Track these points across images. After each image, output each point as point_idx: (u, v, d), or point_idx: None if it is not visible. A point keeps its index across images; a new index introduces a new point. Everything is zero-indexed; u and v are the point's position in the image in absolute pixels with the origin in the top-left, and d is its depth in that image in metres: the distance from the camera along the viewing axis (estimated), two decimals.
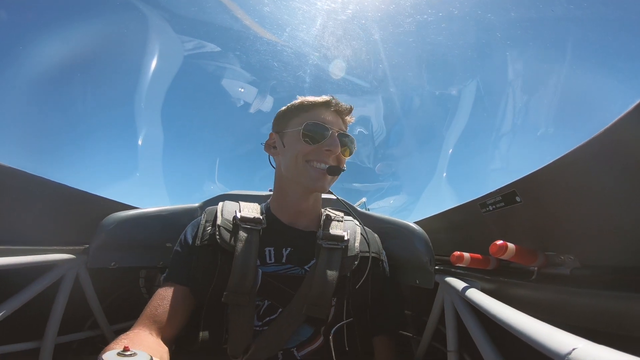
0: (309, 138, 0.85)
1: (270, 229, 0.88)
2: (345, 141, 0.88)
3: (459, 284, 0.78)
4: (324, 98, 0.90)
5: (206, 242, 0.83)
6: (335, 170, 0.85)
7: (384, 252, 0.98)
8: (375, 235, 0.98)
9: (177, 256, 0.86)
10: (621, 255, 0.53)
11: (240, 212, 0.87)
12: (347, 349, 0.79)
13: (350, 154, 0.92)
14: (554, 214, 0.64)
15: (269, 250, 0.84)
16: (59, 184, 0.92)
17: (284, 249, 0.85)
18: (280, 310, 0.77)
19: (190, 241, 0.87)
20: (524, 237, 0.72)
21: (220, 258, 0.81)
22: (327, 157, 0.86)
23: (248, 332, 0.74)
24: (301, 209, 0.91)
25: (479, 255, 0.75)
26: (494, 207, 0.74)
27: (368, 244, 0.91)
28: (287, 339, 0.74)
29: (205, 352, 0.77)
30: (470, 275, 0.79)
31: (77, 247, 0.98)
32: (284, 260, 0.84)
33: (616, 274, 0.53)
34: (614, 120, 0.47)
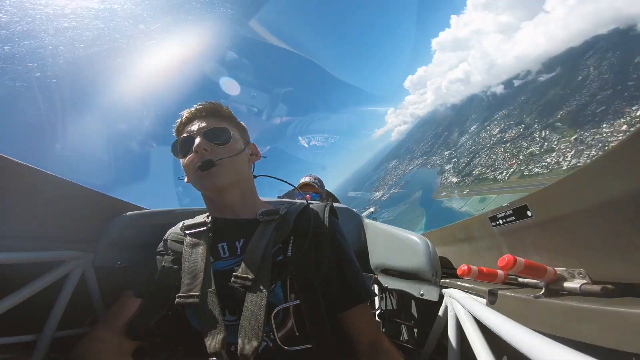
0: (182, 154, 0.93)
1: (219, 228, 0.91)
2: (212, 135, 0.92)
3: (464, 297, 0.78)
4: (181, 118, 0.98)
5: (159, 250, 0.91)
6: (204, 165, 0.87)
7: (336, 228, 0.96)
8: (326, 212, 0.96)
9: (136, 266, 0.93)
10: (632, 272, 0.52)
11: (184, 223, 0.93)
12: (297, 333, 0.77)
13: (227, 141, 0.93)
14: (564, 229, 0.64)
15: (222, 246, 0.87)
16: (70, 182, 0.93)
17: (237, 242, 0.87)
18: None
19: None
20: (534, 252, 0.72)
21: (166, 261, 0.86)
22: (200, 159, 0.89)
23: (218, 326, 0.74)
24: (228, 205, 0.93)
25: (486, 269, 0.74)
26: (504, 221, 0.74)
27: (305, 220, 0.90)
28: (262, 322, 0.73)
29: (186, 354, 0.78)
30: (477, 289, 0.78)
31: (85, 245, 0.99)
32: (238, 252, 0.86)
33: (627, 291, 0.53)
34: (627, 136, 0.47)
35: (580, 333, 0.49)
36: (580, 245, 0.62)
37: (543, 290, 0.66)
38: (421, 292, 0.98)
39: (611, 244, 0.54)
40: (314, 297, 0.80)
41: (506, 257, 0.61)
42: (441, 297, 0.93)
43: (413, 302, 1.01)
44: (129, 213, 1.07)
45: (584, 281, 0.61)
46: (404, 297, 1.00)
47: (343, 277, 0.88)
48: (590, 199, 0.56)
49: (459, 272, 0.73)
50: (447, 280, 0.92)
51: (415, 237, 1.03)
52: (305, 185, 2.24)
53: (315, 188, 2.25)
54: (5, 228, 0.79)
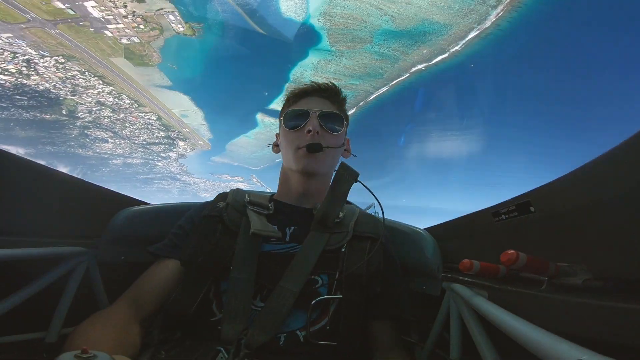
0: (291, 126, 0.91)
1: (277, 211, 0.91)
2: (328, 120, 0.92)
3: (466, 292, 0.78)
4: (302, 86, 0.97)
5: (214, 213, 0.87)
6: (313, 147, 0.87)
7: (390, 240, 0.96)
8: (379, 219, 0.94)
9: (177, 229, 0.90)
10: (634, 268, 0.52)
11: (249, 197, 0.92)
12: (327, 328, 0.76)
13: (338, 131, 0.94)
14: (567, 225, 0.64)
15: (272, 228, 0.86)
16: (72, 176, 0.94)
17: (287, 228, 0.87)
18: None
19: (195, 216, 0.90)
20: (536, 247, 0.72)
21: (220, 231, 0.83)
22: (310, 139, 0.89)
23: (244, 312, 0.72)
24: (304, 192, 0.94)
25: (489, 264, 0.75)
26: (506, 216, 0.74)
27: (363, 224, 0.91)
28: (283, 318, 0.72)
29: (192, 332, 0.76)
30: (479, 283, 0.78)
31: (88, 241, 1.00)
32: (287, 239, 0.85)
33: (628, 286, 0.53)
34: (633, 134, 0.47)
35: (583, 328, 0.49)
36: (582, 241, 0.62)
37: (545, 286, 0.66)
38: (423, 286, 0.98)
39: (613, 240, 0.55)
40: (357, 296, 0.79)
41: (509, 253, 0.61)
42: (443, 291, 0.93)
43: (415, 296, 1.01)
44: (131, 208, 1.08)
45: (586, 277, 0.61)
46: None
47: (387, 288, 0.87)
48: (592, 195, 0.56)
49: (461, 266, 0.73)
50: (449, 275, 0.91)
51: (418, 231, 1.04)
52: None
53: None
54: (7, 225, 0.79)
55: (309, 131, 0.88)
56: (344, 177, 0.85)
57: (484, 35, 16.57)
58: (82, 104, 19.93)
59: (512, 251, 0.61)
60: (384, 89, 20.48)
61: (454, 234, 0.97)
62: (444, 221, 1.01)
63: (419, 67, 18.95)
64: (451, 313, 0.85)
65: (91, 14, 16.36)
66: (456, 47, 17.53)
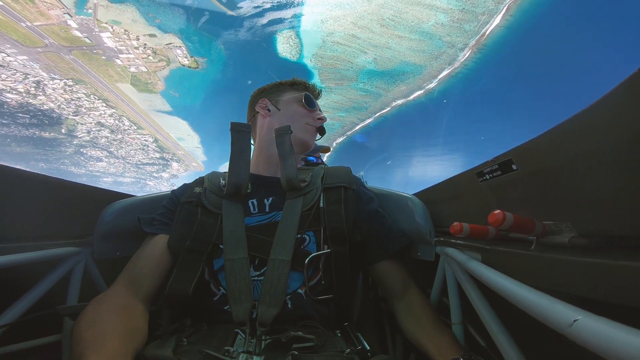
0: (308, 105, 1.00)
1: (253, 185, 0.90)
2: None
3: (460, 255, 0.73)
4: (311, 83, 1.09)
5: (192, 199, 0.86)
6: (323, 131, 1.05)
7: (361, 184, 0.97)
8: (347, 168, 0.97)
9: (162, 209, 0.89)
10: (619, 224, 0.49)
11: (223, 180, 0.90)
12: (322, 282, 0.77)
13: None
14: (549, 182, 0.62)
15: (252, 202, 0.86)
16: (57, 178, 0.87)
17: (265, 199, 0.87)
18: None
19: (177, 198, 0.90)
20: (522, 206, 0.68)
21: (201, 213, 0.82)
22: (320, 123, 1.04)
23: (247, 289, 0.71)
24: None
25: (478, 226, 0.71)
26: (490, 176, 0.71)
27: (331, 176, 0.92)
28: (285, 284, 0.71)
29: (200, 317, 0.74)
30: (471, 246, 0.74)
31: (80, 240, 0.94)
32: (267, 210, 0.85)
33: (613, 243, 0.50)
34: (612, 88, 0.46)
35: (572, 286, 0.47)
36: (565, 198, 0.60)
37: (534, 245, 0.63)
38: (418, 253, 0.93)
39: (596, 196, 0.52)
40: (343, 248, 0.80)
41: (496, 213, 0.58)
42: (437, 256, 0.87)
43: (411, 263, 0.95)
44: (118, 202, 1.01)
45: (572, 234, 0.58)
46: (401, 259, 0.94)
47: (373, 231, 0.87)
48: (573, 150, 0.54)
49: (451, 230, 0.68)
50: (442, 239, 0.86)
51: (407, 197, 0.98)
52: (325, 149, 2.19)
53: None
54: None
55: (321, 118, 1.02)
56: (280, 137, 0.86)
57: (454, 73, 17.77)
58: (82, 124, 19.64)
59: (499, 211, 0.58)
60: (368, 120, 21.28)
61: (442, 197, 0.92)
62: (430, 185, 0.96)
63: (399, 101, 19.92)
64: (447, 278, 0.80)
65: (105, 43, 16.75)
66: (430, 85, 18.63)
